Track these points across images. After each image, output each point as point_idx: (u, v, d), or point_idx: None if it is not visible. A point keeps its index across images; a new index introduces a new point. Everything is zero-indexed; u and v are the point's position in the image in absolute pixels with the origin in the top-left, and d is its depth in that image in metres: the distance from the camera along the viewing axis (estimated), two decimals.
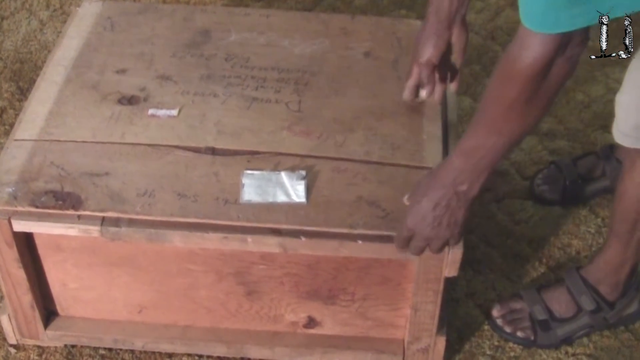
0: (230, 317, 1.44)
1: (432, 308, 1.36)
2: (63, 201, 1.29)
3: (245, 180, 1.32)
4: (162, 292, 1.41)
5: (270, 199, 1.30)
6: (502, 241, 1.71)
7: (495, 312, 1.56)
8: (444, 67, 1.41)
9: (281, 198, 1.30)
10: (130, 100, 1.46)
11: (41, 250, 1.37)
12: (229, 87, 1.49)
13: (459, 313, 1.57)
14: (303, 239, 1.28)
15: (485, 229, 1.73)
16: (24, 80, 2.06)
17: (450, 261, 1.29)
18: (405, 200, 1.28)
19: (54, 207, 1.29)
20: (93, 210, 1.29)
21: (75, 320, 1.47)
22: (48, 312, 1.46)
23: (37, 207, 1.29)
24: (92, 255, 1.37)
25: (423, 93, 1.41)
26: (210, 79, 1.50)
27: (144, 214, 1.28)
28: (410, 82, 1.43)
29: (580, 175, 1.78)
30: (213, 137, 1.39)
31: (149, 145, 1.38)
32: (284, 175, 1.32)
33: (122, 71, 1.51)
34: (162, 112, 1.43)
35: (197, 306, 1.43)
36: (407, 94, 1.44)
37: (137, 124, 1.41)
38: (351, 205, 1.30)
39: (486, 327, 1.56)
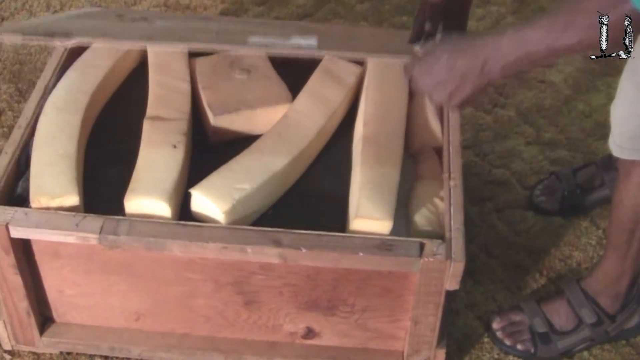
0: (228, 327, 1.42)
1: (432, 321, 1.35)
2: (51, 36, 1.35)
3: (251, 38, 1.39)
4: (159, 300, 1.40)
5: (280, 42, 1.36)
6: (503, 251, 1.70)
7: (495, 324, 1.55)
8: (452, 13, 1.37)
9: (291, 43, 1.35)
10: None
11: (38, 257, 1.36)
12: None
13: (459, 324, 1.56)
14: (304, 250, 1.26)
15: (486, 239, 1.72)
16: (23, 82, 2.04)
17: (452, 274, 1.28)
18: (418, 48, 1.22)
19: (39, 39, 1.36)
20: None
21: (72, 327, 1.45)
22: (44, 318, 1.45)
23: (23, 35, 1.37)
24: (90, 262, 1.35)
25: (427, 25, 1.36)
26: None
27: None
28: (417, 24, 1.40)
29: (579, 185, 1.77)
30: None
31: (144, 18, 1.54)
32: (292, 37, 1.39)
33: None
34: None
35: (194, 315, 1.41)
36: (412, 36, 1.41)
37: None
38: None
39: (486, 339, 1.55)
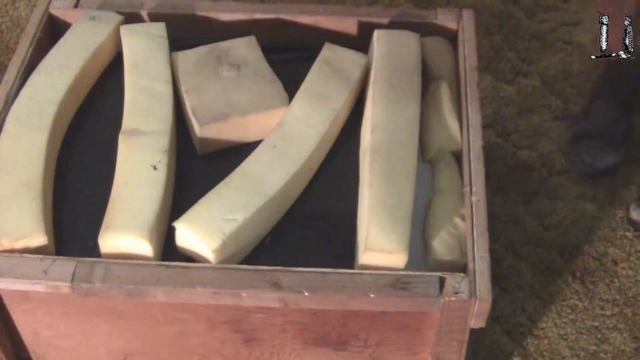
0: None
1: (455, 357, 1.19)
2: None
3: None
4: (148, 340, 1.24)
5: None
6: (532, 251, 1.53)
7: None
8: None
9: None
10: None
11: (7, 300, 1.20)
12: None
13: (485, 342, 1.41)
14: (306, 293, 1.10)
15: (512, 237, 1.54)
16: None
17: (477, 313, 1.11)
18: None
19: None
20: None
21: None
22: None
23: None
24: (65, 305, 1.19)
25: None
26: None
27: None
28: None
29: None
30: None
31: None
32: None
33: None
34: None
35: (189, 353, 1.26)
36: None
37: None
38: None
39: (516, 358, 1.39)
